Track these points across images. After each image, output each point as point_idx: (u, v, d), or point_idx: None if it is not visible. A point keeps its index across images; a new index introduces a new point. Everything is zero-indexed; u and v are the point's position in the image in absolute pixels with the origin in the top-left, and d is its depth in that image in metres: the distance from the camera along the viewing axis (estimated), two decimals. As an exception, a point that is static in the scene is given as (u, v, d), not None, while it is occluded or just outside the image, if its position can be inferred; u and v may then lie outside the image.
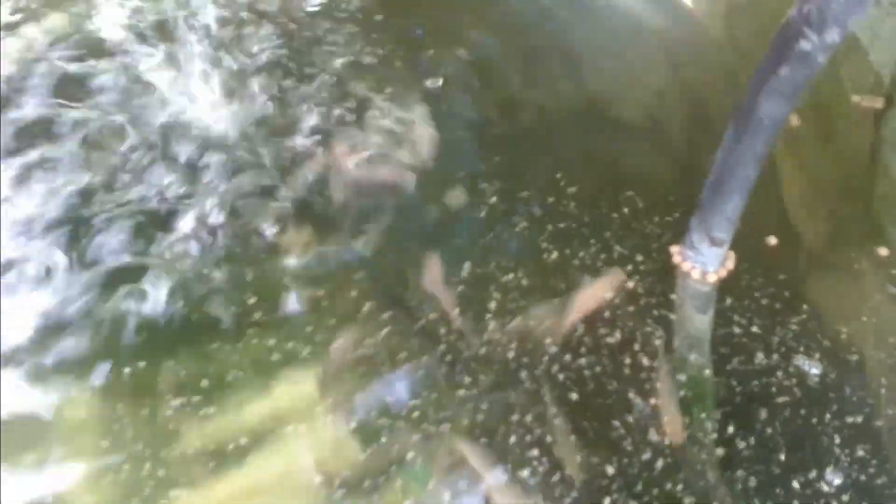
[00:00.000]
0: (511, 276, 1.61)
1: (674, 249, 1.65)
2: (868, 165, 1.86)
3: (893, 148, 1.88)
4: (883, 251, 1.68)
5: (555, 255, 1.65)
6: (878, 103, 1.95)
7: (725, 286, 1.61)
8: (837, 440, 1.40)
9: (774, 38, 1.29)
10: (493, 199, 1.75)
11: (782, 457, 1.38)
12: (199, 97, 1.94)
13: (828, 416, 1.43)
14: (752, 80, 1.35)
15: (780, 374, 1.48)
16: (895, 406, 1.45)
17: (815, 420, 1.42)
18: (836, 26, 1.20)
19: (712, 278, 1.61)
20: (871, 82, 1.96)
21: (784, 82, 1.30)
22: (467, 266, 1.62)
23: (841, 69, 1.98)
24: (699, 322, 1.59)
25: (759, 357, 1.50)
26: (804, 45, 1.24)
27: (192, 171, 1.76)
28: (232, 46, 2.06)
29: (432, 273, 1.62)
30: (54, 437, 1.36)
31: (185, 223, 1.67)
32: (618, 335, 1.52)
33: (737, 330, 1.55)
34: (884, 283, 1.63)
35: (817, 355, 1.50)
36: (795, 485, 1.34)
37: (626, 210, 1.73)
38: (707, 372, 1.50)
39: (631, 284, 1.60)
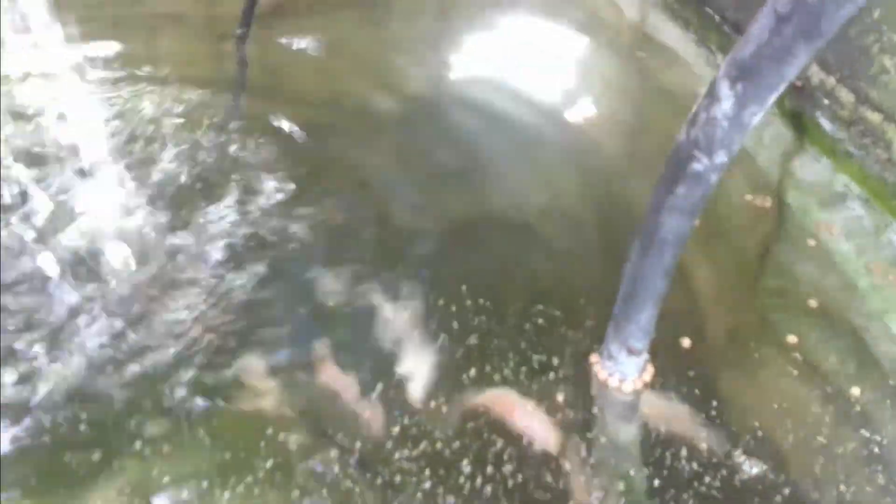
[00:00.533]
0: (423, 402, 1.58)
1: (593, 360, 1.66)
2: (765, 263, 1.96)
3: (786, 244, 1.99)
4: (791, 338, 1.75)
5: (473, 371, 1.64)
6: (767, 202, 2.08)
7: (646, 393, 1.62)
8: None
9: (668, 159, 1.36)
10: (407, 313, 1.74)
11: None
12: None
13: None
14: (653, 199, 1.40)
15: (709, 477, 1.48)
16: (827, 486, 1.47)
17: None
18: (722, 149, 1.28)
19: (633, 387, 1.62)
20: (760, 183, 2.09)
21: (682, 200, 1.35)
22: (380, 387, 1.59)
23: (734, 171, 2.11)
24: (623, 432, 1.59)
25: (689, 463, 1.51)
26: (696, 166, 1.30)
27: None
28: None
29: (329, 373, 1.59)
30: None
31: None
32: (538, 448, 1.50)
33: (661, 436, 1.55)
34: (789, 367, 1.69)
35: (746, 453, 1.52)
36: None
37: (542, 321, 1.74)
38: (631, 483, 1.48)
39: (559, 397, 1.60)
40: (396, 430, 1.51)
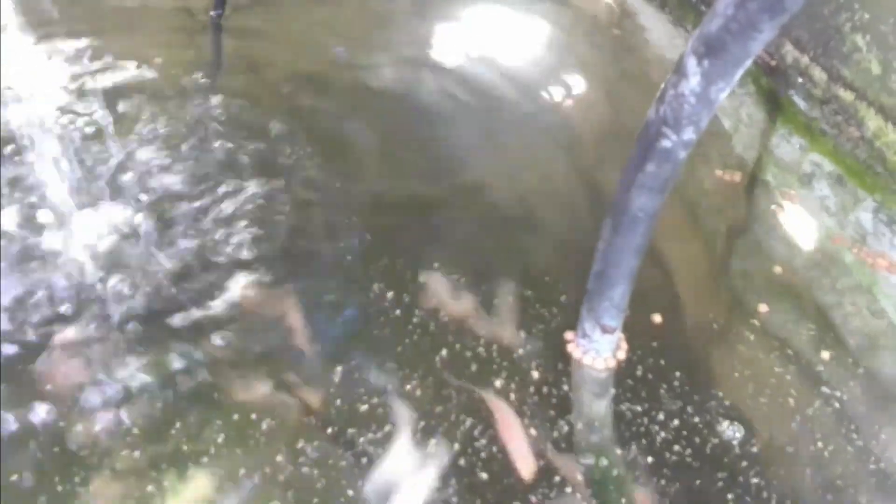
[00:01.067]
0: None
1: (568, 338, 1.68)
2: (735, 238, 1.99)
3: (758, 221, 2.01)
4: (763, 308, 1.78)
5: (444, 352, 1.65)
6: (737, 177, 2.10)
7: (620, 369, 1.64)
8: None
9: (638, 137, 1.37)
10: (375, 291, 1.75)
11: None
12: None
13: (730, 481, 1.46)
14: (623, 177, 1.41)
15: (680, 447, 1.51)
16: (798, 447, 1.51)
17: (721, 486, 1.45)
18: (690, 125, 1.28)
19: (607, 364, 1.64)
20: (734, 162, 2.11)
21: (652, 177, 1.36)
22: (340, 370, 1.59)
23: (708, 150, 2.13)
24: (598, 407, 1.61)
25: (664, 434, 1.53)
26: (665, 143, 1.31)
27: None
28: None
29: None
30: None
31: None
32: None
33: (635, 412, 1.58)
34: (760, 339, 1.73)
35: (718, 421, 1.55)
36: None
37: (515, 300, 1.76)
38: (610, 457, 1.51)
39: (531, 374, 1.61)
40: (365, 407, 1.53)
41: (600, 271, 1.54)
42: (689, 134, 1.30)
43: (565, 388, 1.61)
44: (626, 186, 1.40)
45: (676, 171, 1.36)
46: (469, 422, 1.51)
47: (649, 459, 1.49)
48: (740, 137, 2.19)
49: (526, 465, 1.42)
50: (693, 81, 1.24)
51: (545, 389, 1.59)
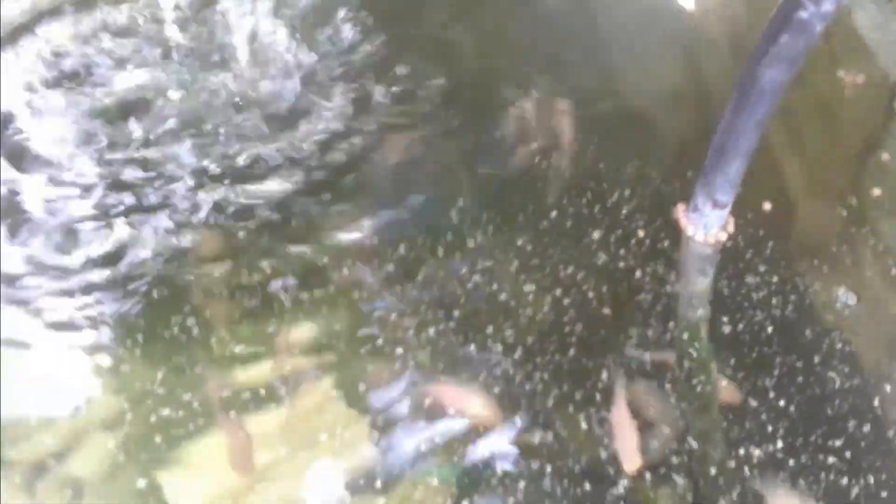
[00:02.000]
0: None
1: (679, 210, 1.77)
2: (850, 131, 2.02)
3: (878, 124, 2.02)
4: (876, 192, 1.83)
5: (554, 213, 1.79)
6: (860, 79, 2.09)
7: (726, 247, 1.73)
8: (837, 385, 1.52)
9: (776, 10, 1.42)
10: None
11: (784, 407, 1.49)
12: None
13: (822, 366, 1.55)
14: (755, 51, 1.47)
15: (772, 328, 1.60)
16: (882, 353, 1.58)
17: (810, 368, 1.54)
18: (830, -3, 1.34)
19: (712, 239, 1.73)
20: (867, 71, 2.10)
21: (784, 49, 1.42)
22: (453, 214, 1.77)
23: (844, 59, 2.13)
24: (701, 282, 1.71)
25: (756, 313, 1.62)
26: (802, 13, 1.37)
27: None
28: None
29: None
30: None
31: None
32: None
33: (734, 286, 1.67)
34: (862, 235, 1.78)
35: (817, 294, 1.65)
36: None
37: (635, 174, 1.86)
38: (708, 330, 1.61)
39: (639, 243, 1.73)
40: (472, 243, 1.71)
41: (720, 145, 1.61)
42: (827, 5, 1.35)
43: (672, 258, 1.71)
44: (756, 59, 1.46)
45: (810, 44, 1.41)
46: (569, 270, 1.67)
47: (745, 330, 1.59)
48: (882, 51, 2.16)
49: (630, 463, 1.44)
50: (838, -49, 1.28)
51: (653, 260, 1.70)
